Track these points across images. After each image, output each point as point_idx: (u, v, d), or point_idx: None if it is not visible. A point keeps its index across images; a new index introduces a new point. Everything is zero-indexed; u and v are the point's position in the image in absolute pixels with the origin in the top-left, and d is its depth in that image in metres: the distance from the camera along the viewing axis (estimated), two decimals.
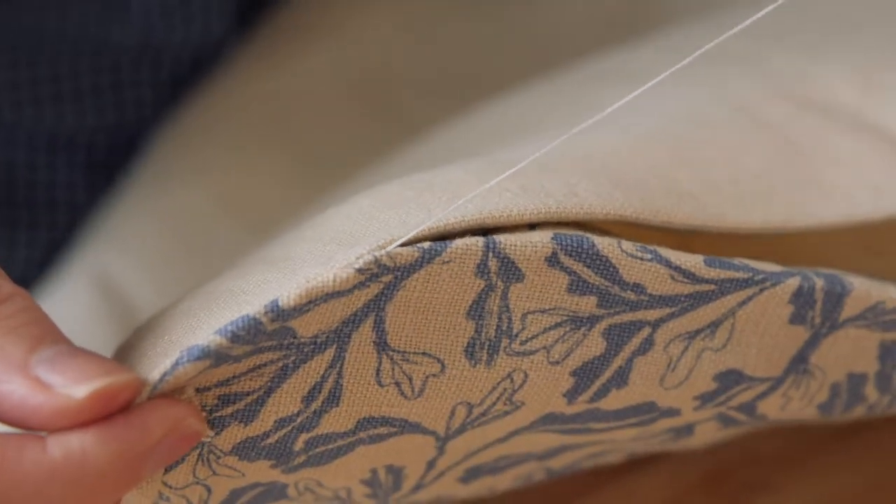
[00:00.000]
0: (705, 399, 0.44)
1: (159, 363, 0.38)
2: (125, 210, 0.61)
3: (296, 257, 0.41)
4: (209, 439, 0.40)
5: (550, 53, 0.64)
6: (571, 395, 0.42)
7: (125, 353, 0.42)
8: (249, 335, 0.38)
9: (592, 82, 0.53)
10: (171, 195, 0.61)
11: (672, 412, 0.44)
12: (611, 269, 0.41)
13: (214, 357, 0.38)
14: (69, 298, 0.59)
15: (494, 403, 0.42)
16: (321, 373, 0.40)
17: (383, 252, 0.39)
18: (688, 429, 0.46)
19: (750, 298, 0.42)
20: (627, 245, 0.41)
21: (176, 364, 0.38)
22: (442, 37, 0.67)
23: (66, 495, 0.35)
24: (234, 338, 0.38)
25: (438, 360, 0.41)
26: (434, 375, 0.41)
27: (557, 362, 0.42)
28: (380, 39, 0.66)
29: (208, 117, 0.64)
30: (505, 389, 0.42)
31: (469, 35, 0.67)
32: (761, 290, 0.42)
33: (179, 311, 0.41)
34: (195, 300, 0.41)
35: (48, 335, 0.37)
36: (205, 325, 0.39)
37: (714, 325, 0.42)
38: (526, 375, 0.42)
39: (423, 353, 0.41)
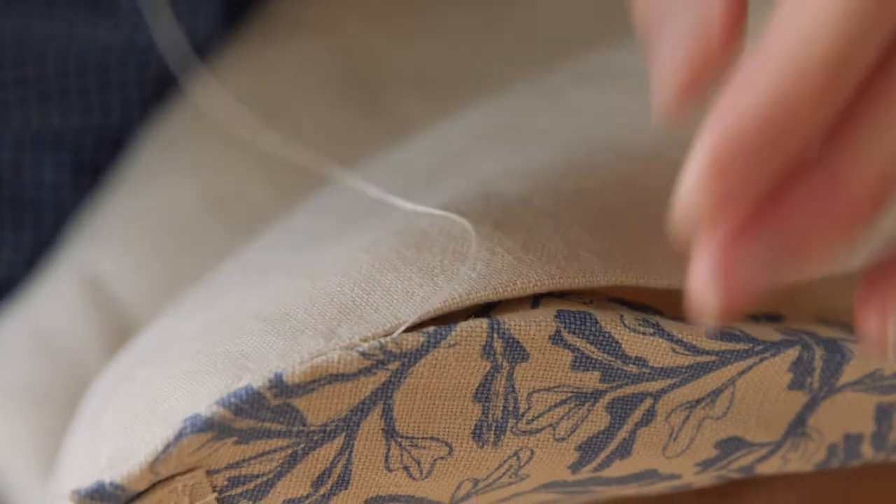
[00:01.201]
0: (706, 465, 0.44)
1: (160, 432, 0.38)
2: (112, 209, 0.61)
3: (294, 316, 0.40)
4: None
5: (539, 48, 0.64)
6: (576, 467, 0.42)
7: (117, 402, 0.41)
8: (252, 409, 0.38)
9: (579, 81, 0.53)
10: (158, 194, 0.61)
11: (673, 476, 0.44)
12: (613, 345, 0.41)
13: (217, 429, 0.37)
14: (56, 298, 0.59)
15: (500, 478, 0.42)
16: (330, 459, 0.40)
17: (389, 339, 0.39)
18: (685, 485, 0.46)
19: (750, 368, 0.42)
20: (629, 319, 0.41)
21: (179, 435, 0.37)
22: (430, 33, 0.66)
23: None
24: (238, 410, 0.38)
25: (447, 443, 0.41)
26: (442, 458, 0.41)
27: (563, 438, 0.42)
28: (367, 36, 0.66)
29: (195, 116, 0.64)
30: (511, 466, 0.42)
31: (458, 31, 0.66)
32: (761, 360, 0.42)
33: (176, 372, 0.40)
34: (190, 362, 0.40)
35: None
36: (204, 390, 0.39)
37: (714, 394, 0.42)
38: (532, 452, 0.42)
39: (432, 438, 0.40)
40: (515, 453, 0.42)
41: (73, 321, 0.58)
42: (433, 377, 0.40)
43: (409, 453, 0.41)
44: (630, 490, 0.45)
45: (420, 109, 0.63)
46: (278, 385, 0.38)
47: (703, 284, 0.31)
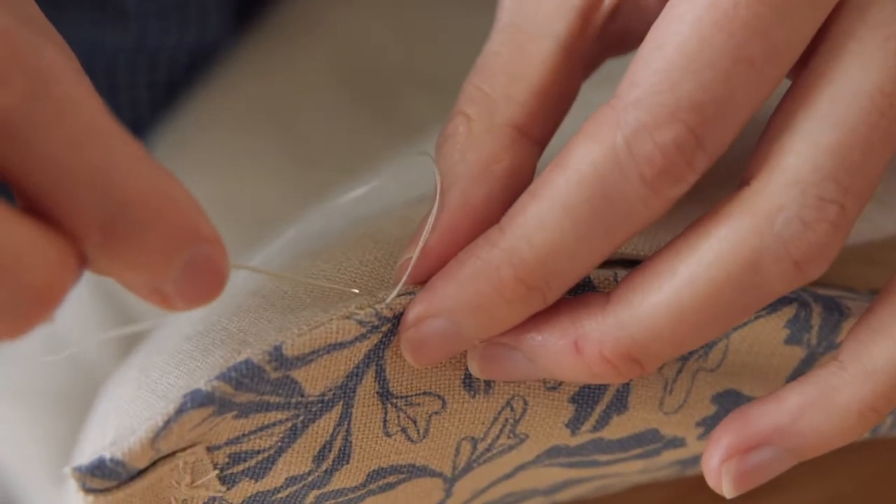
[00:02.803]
0: (707, 425, 0.44)
1: (161, 408, 0.38)
2: None
3: (292, 294, 0.41)
4: (220, 494, 0.39)
5: None
6: (574, 425, 0.42)
7: (121, 391, 0.41)
8: (252, 382, 0.38)
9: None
10: None
11: (676, 442, 0.44)
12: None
13: (218, 403, 0.37)
14: (69, 303, 0.58)
15: (498, 437, 0.42)
16: (330, 431, 0.40)
17: (384, 305, 0.39)
18: (694, 460, 0.46)
19: (745, 324, 0.42)
20: (622, 275, 0.41)
21: (180, 410, 0.37)
22: (439, 33, 0.66)
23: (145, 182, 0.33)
24: (238, 384, 0.38)
25: (439, 396, 0.41)
26: (437, 413, 0.41)
27: (554, 388, 0.42)
28: (376, 37, 0.66)
29: (205, 118, 0.63)
30: (507, 420, 0.42)
31: (466, 31, 0.66)
32: (756, 318, 0.42)
33: (176, 352, 0.40)
34: (190, 342, 0.40)
35: None
36: (204, 366, 0.39)
37: (708, 347, 0.42)
38: (525, 403, 0.42)
39: (425, 393, 0.41)
40: (508, 402, 0.41)
41: (85, 326, 0.58)
42: None
43: (406, 413, 0.41)
44: (637, 465, 0.45)
45: (429, 110, 0.63)
46: (278, 358, 0.38)
47: None
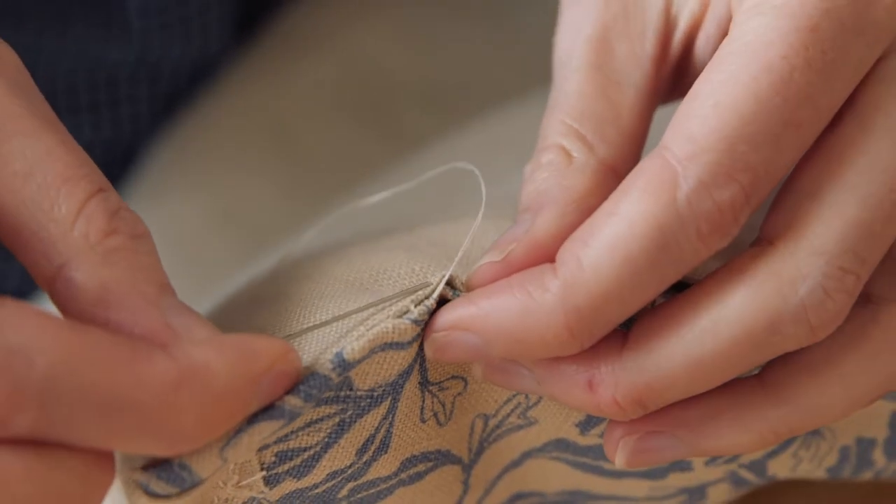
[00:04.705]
0: None
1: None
2: None
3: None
4: (262, 495, 0.40)
5: (548, 63, 0.64)
6: (584, 427, 0.43)
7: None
8: (319, 392, 0.38)
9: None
10: (168, 208, 0.61)
11: (683, 464, 0.44)
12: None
13: (288, 417, 0.38)
14: None
15: (508, 415, 0.42)
16: (376, 425, 0.40)
17: (432, 300, 0.40)
18: (700, 491, 0.46)
19: None
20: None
21: (251, 422, 0.37)
22: (438, 48, 0.66)
23: (191, 405, 0.34)
24: (307, 396, 0.38)
25: (463, 378, 0.41)
26: (459, 394, 0.42)
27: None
28: (376, 51, 0.66)
29: (205, 130, 0.64)
30: (519, 403, 0.42)
31: (465, 46, 0.66)
32: None
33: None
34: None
35: (168, 284, 0.37)
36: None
37: None
38: (540, 396, 0.42)
39: (452, 377, 0.41)
40: None
41: None
42: None
43: (438, 398, 0.41)
44: (643, 486, 0.45)
45: (428, 125, 0.63)
46: (341, 364, 0.38)
47: None
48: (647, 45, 0.41)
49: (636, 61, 0.41)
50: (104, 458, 0.35)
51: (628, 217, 0.37)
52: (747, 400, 0.40)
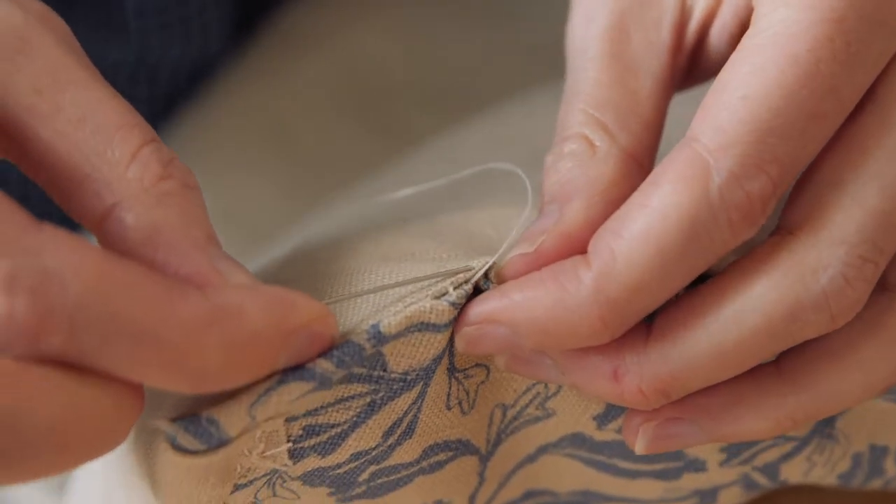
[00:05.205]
0: (730, 452, 0.44)
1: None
2: None
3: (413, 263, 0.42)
4: (285, 468, 0.40)
5: (547, 62, 0.64)
6: (602, 420, 0.43)
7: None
8: (352, 360, 0.38)
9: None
10: None
11: (698, 464, 0.44)
12: None
13: (318, 380, 0.38)
14: None
15: (527, 406, 0.42)
16: (405, 408, 0.40)
17: (470, 284, 0.40)
18: (712, 493, 0.46)
19: None
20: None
21: (281, 381, 0.37)
22: (438, 48, 0.66)
23: (219, 345, 0.35)
24: (339, 362, 0.38)
25: (486, 367, 0.41)
26: (482, 382, 0.42)
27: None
28: (375, 51, 0.66)
29: (204, 131, 0.64)
30: (538, 393, 0.42)
31: (464, 45, 0.66)
32: None
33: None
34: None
35: (216, 237, 0.38)
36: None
37: None
38: (559, 387, 0.42)
39: (476, 365, 0.41)
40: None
41: None
42: None
43: (463, 385, 0.41)
44: (657, 487, 0.45)
45: (427, 125, 0.63)
46: (376, 335, 0.39)
47: None
48: (664, 33, 0.42)
49: (653, 50, 0.42)
50: (134, 388, 0.35)
51: (661, 208, 0.37)
52: (766, 387, 0.40)
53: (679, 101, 0.44)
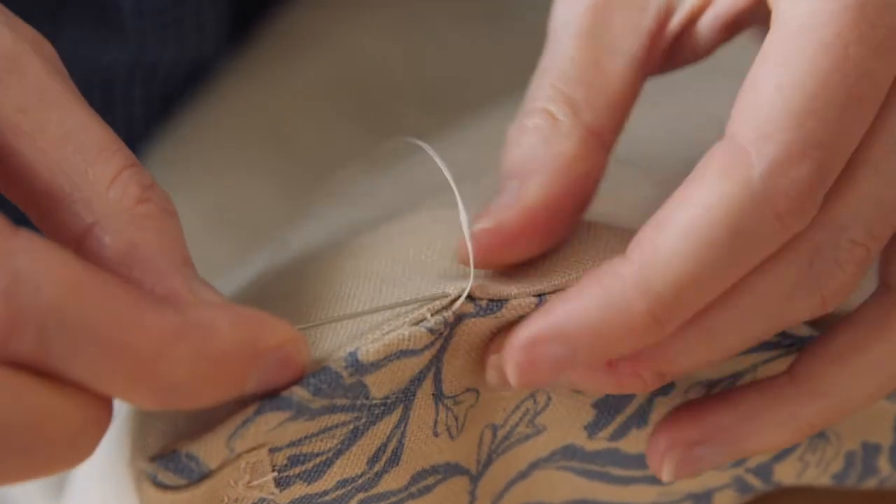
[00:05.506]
0: None
1: (238, 410, 0.38)
2: None
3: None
4: (272, 497, 0.40)
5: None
6: (592, 429, 0.43)
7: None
8: (330, 388, 0.38)
9: None
10: None
11: None
12: None
13: (295, 409, 0.38)
14: None
15: (517, 425, 0.42)
16: (387, 434, 0.40)
17: (450, 312, 0.39)
18: (706, 497, 0.46)
19: (774, 358, 0.43)
20: None
21: (258, 411, 0.38)
22: (437, 47, 0.66)
23: (188, 359, 0.35)
24: (316, 390, 0.38)
25: (476, 390, 0.41)
26: (472, 406, 0.42)
27: (580, 391, 0.42)
28: (374, 50, 0.66)
29: (202, 131, 0.64)
30: (528, 410, 0.42)
31: (465, 45, 0.66)
32: (787, 353, 0.43)
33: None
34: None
35: (191, 261, 0.38)
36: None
37: (735, 377, 0.43)
38: (549, 398, 0.42)
39: (467, 390, 0.41)
40: (532, 394, 0.42)
41: None
42: (472, 335, 0.40)
43: (452, 412, 0.41)
44: (651, 492, 0.45)
45: (427, 123, 0.63)
46: (353, 364, 0.38)
47: None
48: (647, 18, 0.42)
49: (633, 31, 0.42)
50: (102, 400, 0.35)
51: (702, 200, 0.37)
52: (781, 397, 0.40)
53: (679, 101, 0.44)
